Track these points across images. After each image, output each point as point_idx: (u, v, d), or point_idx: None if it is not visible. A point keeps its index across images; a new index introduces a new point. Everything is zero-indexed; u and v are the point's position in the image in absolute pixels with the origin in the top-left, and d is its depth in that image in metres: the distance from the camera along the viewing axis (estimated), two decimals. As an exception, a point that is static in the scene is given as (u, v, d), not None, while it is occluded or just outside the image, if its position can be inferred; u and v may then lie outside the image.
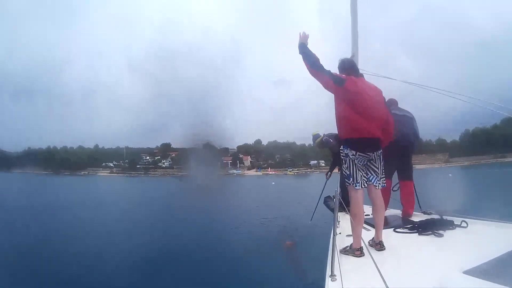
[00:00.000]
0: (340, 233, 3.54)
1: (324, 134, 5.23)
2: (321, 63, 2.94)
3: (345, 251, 2.99)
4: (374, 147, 2.99)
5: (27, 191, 34.59)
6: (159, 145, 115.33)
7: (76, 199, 26.69)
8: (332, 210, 3.50)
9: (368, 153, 2.97)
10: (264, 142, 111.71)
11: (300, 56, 3.03)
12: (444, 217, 4.00)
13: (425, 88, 4.34)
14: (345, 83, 2.88)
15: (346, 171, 3.04)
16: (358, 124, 2.88)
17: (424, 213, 4.73)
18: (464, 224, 3.77)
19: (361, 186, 2.99)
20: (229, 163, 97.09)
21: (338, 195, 3.03)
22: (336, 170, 5.20)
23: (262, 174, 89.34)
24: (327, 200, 5.29)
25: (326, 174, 5.79)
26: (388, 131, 3.06)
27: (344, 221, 4.04)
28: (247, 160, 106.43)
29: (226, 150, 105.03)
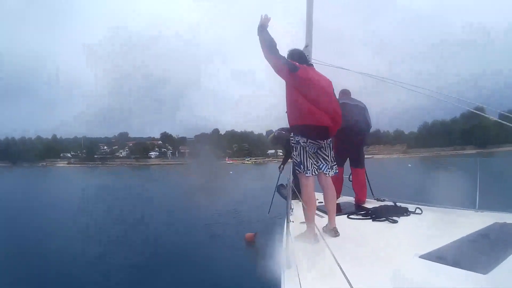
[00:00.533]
0: (293, 221, 3.48)
1: (276, 130, 5.25)
2: (277, 48, 2.94)
3: (299, 237, 2.92)
4: (324, 135, 3.01)
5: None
6: (116, 134, 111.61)
7: (47, 193, 24.84)
8: (286, 198, 3.36)
9: (319, 141, 3.01)
10: (222, 132, 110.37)
11: (258, 38, 2.99)
12: (398, 204, 4.00)
13: (384, 81, 4.37)
14: (299, 70, 2.91)
15: (297, 158, 3.06)
16: (309, 111, 2.88)
17: (378, 200, 4.78)
18: (418, 211, 3.83)
19: (312, 174, 3.01)
20: (186, 153, 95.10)
21: (291, 183, 2.96)
22: (290, 160, 5.14)
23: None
24: (280, 189, 5.34)
25: (279, 168, 5.73)
26: (336, 120, 3.01)
27: (297, 208, 3.96)
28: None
29: (183, 140, 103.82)
